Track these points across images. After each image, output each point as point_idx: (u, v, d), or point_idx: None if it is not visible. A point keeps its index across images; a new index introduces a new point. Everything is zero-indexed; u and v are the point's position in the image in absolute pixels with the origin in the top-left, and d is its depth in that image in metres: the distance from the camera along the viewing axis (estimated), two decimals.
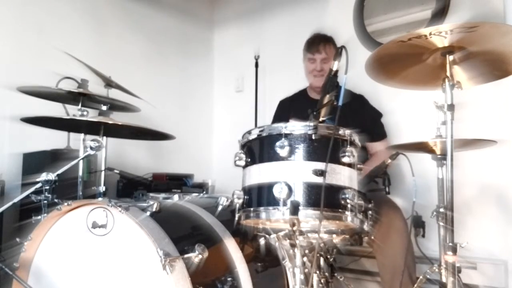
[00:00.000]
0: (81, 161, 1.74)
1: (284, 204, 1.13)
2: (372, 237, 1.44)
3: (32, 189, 1.49)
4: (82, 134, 1.80)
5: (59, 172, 1.51)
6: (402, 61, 1.39)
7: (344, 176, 1.18)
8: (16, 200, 1.47)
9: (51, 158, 2.04)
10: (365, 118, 2.15)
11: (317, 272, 1.33)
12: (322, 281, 1.35)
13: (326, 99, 1.25)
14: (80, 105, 1.74)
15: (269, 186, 1.15)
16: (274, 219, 1.17)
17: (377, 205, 1.31)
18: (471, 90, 1.45)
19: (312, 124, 1.18)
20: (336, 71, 1.29)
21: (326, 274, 1.43)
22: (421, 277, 1.54)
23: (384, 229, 1.65)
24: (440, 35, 1.19)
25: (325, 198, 1.10)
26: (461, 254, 1.26)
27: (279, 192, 1.12)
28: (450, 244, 1.24)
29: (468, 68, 1.39)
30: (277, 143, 1.15)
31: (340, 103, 1.21)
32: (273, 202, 1.15)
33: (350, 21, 2.83)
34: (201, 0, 3.67)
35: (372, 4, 2.78)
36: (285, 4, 3.26)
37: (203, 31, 3.67)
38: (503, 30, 1.18)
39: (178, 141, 1.87)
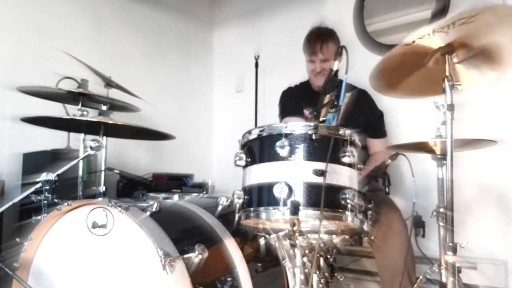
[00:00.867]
0: (81, 161, 1.74)
1: (284, 204, 1.12)
2: (372, 237, 1.44)
3: (32, 189, 1.49)
4: (82, 134, 1.80)
5: (59, 172, 1.51)
6: (403, 69, 1.39)
7: (344, 176, 1.18)
8: (16, 200, 1.47)
9: (51, 158, 2.04)
10: (370, 113, 2.16)
11: (317, 272, 1.33)
12: (322, 281, 1.34)
13: (327, 99, 1.25)
14: (80, 105, 1.74)
15: (269, 186, 1.15)
16: (274, 219, 1.17)
17: (377, 206, 1.31)
18: (471, 90, 1.45)
19: (312, 124, 1.17)
20: (337, 71, 1.29)
21: (326, 274, 1.44)
22: (421, 277, 1.54)
23: (383, 230, 1.65)
24: (443, 31, 1.19)
25: (325, 198, 1.10)
26: (461, 254, 1.25)
27: (279, 192, 1.12)
28: (450, 244, 1.24)
29: (468, 68, 1.39)
30: (278, 143, 1.15)
31: (340, 103, 1.21)
32: (273, 202, 1.14)
33: (350, 21, 2.83)
34: (201, 0, 3.67)
35: (372, 4, 2.78)
36: (285, 4, 3.26)
37: (203, 31, 3.67)
38: (502, 14, 1.16)
39: (178, 141, 1.88)
